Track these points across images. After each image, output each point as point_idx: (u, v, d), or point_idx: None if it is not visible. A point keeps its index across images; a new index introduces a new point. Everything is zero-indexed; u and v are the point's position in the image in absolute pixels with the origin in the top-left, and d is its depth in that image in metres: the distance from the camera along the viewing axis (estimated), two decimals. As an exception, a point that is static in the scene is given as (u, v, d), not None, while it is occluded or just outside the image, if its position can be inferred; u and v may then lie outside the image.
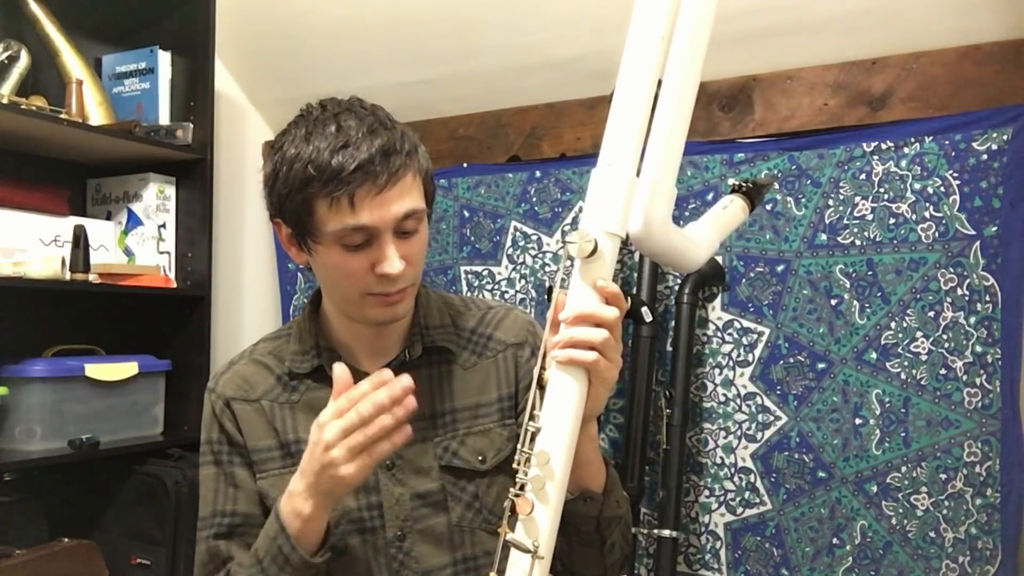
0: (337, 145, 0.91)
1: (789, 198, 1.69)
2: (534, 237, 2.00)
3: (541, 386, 0.83)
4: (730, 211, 0.96)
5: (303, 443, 1.01)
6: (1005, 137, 1.49)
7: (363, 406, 0.85)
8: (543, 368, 0.83)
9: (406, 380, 0.86)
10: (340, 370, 0.90)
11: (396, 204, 0.92)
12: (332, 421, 0.87)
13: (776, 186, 1.70)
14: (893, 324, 1.59)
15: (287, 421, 1.04)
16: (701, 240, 0.91)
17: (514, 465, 0.81)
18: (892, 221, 1.60)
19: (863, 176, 1.62)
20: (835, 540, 1.64)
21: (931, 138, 1.56)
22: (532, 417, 0.81)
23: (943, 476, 1.54)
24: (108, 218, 2.03)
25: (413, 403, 0.87)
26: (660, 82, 0.81)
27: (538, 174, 1.99)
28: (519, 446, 0.81)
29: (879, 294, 1.61)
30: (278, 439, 1.04)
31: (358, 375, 1.03)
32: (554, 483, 0.79)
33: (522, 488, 0.79)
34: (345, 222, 0.91)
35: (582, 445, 0.87)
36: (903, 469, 1.58)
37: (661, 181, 0.82)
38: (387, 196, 0.91)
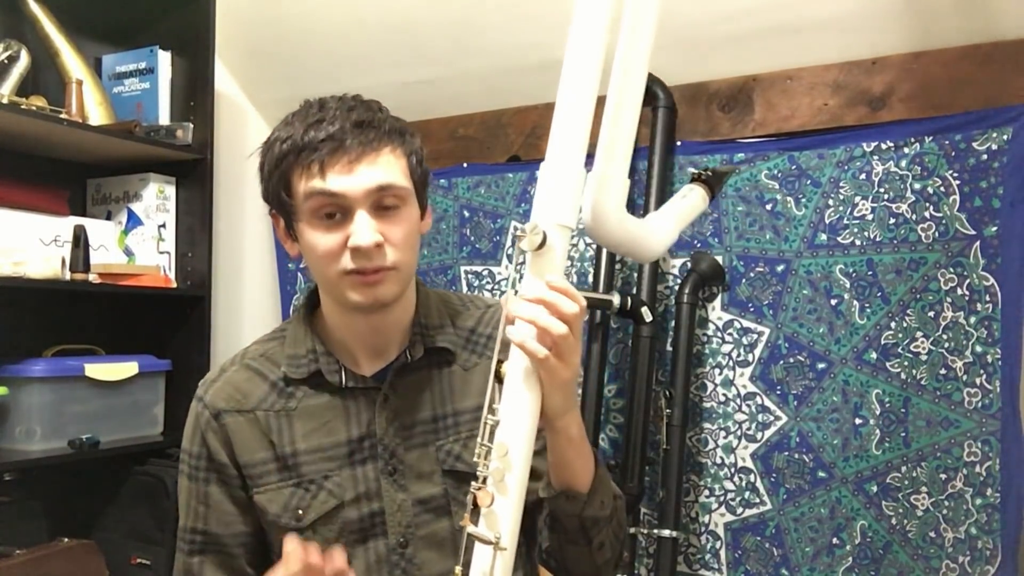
0: (312, 121, 0.93)
1: (789, 198, 1.69)
2: (534, 237, 1.99)
3: (499, 379, 0.82)
4: (690, 200, 0.96)
5: (300, 455, 1.00)
6: (1005, 137, 1.49)
7: None
8: (500, 362, 0.83)
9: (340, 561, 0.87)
10: (291, 547, 0.87)
11: (368, 175, 0.92)
12: None
13: (775, 186, 1.70)
14: (893, 324, 1.59)
15: (284, 431, 1.01)
16: (659, 230, 0.91)
17: (474, 459, 0.80)
18: (892, 221, 1.59)
19: (863, 176, 1.62)
20: (835, 540, 1.64)
21: (931, 138, 1.56)
22: (491, 411, 0.81)
23: (943, 476, 1.54)
24: (108, 218, 2.02)
25: None
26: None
27: (538, 174, 1.98)
28: (479, 439, 0.80)
29: (879, 294, 1.61)
30: (274, 451, 1.01)
31: (356, 379, 1.02)
32: (513, 475, 0.79)
33: (483, 481, 0.79)
34: (314, 186, 0.92)
35: (558, 446, 0.87)
36: (903, 469, 1.58)
37: (611, 171, 0.82)
38: (358, 166, 0.92)
